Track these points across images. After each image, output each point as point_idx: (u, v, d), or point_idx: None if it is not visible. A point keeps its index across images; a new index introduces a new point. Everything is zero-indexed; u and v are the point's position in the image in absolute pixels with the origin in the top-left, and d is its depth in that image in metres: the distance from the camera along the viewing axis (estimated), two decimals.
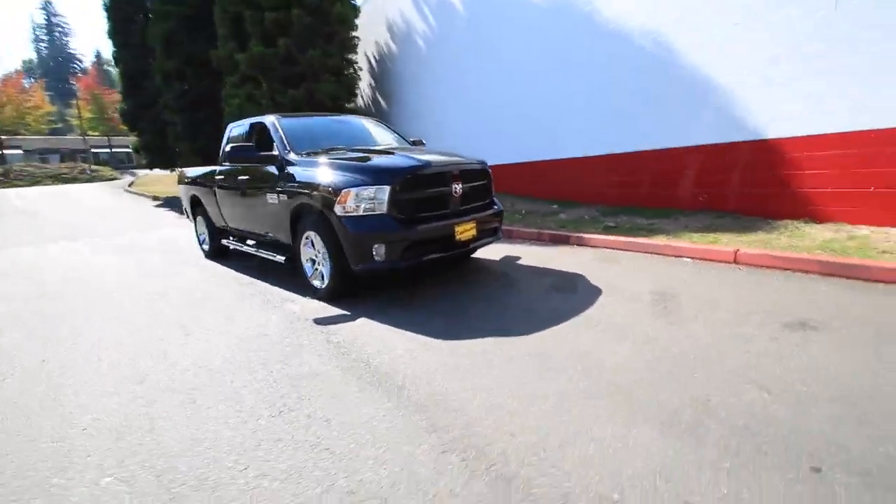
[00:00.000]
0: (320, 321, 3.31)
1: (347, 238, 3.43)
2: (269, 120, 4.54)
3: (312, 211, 3.78)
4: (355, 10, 12.23)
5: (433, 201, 3.66)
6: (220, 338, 3.09)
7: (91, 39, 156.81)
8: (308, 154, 4.13)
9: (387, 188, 3.39)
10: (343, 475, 1.63)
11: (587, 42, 6.95)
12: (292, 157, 4.07)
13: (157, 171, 22.65)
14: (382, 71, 14.14)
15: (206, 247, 6.24)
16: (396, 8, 12.58)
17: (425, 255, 3.57)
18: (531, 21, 7.96)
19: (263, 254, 4.64)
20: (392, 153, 3.98)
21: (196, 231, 6.47)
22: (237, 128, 5.20)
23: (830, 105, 4.48)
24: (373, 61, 14.53)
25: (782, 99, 4.80)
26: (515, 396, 2.09)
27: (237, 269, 5.24)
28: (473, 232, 3.85)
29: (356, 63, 13.15)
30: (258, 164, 4.41)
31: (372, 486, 1.57)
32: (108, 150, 45.52)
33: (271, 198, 4.18)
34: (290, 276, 4.74)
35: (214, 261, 5.91)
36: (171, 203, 15.74)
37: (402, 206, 3.47)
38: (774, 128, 4.93)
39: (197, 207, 6.25)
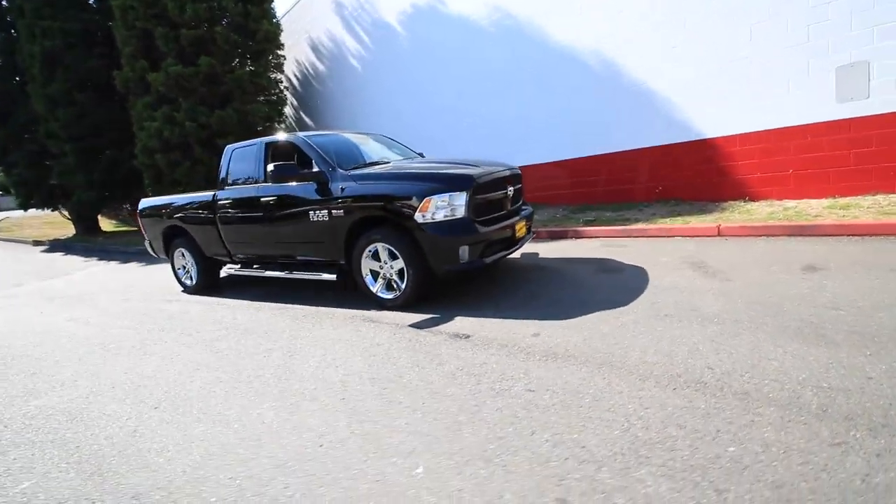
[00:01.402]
0: (422, 325, 3.41)
1: (434, 243, 3.59)
2: (299, 138, 4.45)
3: (381, 222, 3.86)
4: (279, 28, 11.89)
5: (494, 204, 3.99)
6: (356, 362, 3.06)
7: None
8: (353, 169, 4.18)
9: (464, 194, 3.63)
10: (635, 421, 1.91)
11: (537, 61, 7.83)
12: (340, 172, 4.08)
13: (16, 212, 19.05)
14: (308, 91, 13.85)
15: (189, 281, 5.72)
16: (322, 27, 12.51)
17: (496, 254, 3.86)
18: (479, 44, 8.67)
19: (302, 275, 4.49)
20: (444, 163, 4.22)
21: (173, 266, 5.85)
22: (241, 149, 4.94)
23: (751, 110, 5.78)
24: (295, 81, 14.15)
25: (717, 106, 6.03)
26: (687, 342, 2.52)
27: (250, 298, 4.95)
28: (524, 230, 4.26)
29: (282, 83, 12.74)
30: (293, 184, 4.30)
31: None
32: None
33: (317, 215, 4.13)
34: (321, 293, 4.67)
35: (205, 295, 5.44)
36: (62, 247, 13.43)
37: (476, 209, 3.74)
38: (712, 129, 6.15)
39: (175, 239, 5.69)
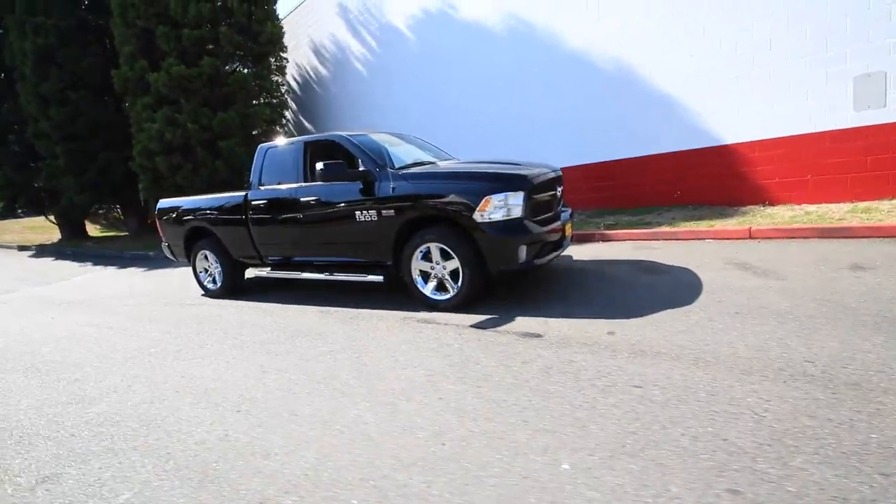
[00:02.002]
0: (484, 325, 3.38)
1: (493, 242, 3.57)
2: (342, 137, 4.39)
3: (433, 222, 3.82)
4: (282, 31, 11.76)
5: (544, 205, 3.99)
6: (433, 362, 3.00)
7: None
8: (401, 169, 4.14)
9: (521, 194, 3.63)
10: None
11: (549, 65, 7.94)
12: (390, 172, 4.03)
13: None
14: (308, 94, 13.72)
15: (211, 284, 5.56)
16: (326, 31, 12.43)
17: (548, 255, 3.86)
18: (490, 49, 8.75)
19: (344, 277, 4.41)
20: (490, 163, 4.22)
21: (194, 269, 5.67)
22: (277, 149, 4.84)
23: (770, 117, 5.97)
24: (294, 84, 14.00)
25: (736, 113, 6.21)
26: (772, 337, 2.56)
27: (280, 301, 4.85)
28: (570, 231, 4.29)
29: (283, 86, 12.60)
30: (336, 184, 4.23)
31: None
32: None
33: (364, 215, 4.07)
34: (349, 294, 4.62)
35: (229, 298, 5.29)
36: (52, 251, 12.87)
37: (532, 209, 3.75)
38: (731, 135, 6.33)
39: (197, 241, 5.53)
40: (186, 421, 2.44)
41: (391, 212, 3.94)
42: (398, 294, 4.33)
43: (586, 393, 2.24)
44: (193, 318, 4.61)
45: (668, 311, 3.21)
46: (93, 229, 17.29)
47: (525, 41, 8.24)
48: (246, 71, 10.73)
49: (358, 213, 4.11)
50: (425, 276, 3.97)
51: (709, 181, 6.60)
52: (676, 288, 3.69)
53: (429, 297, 3.93)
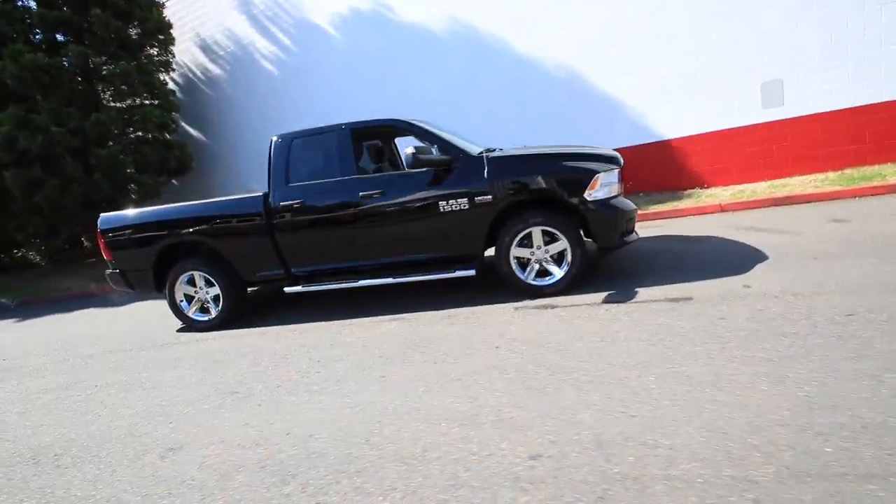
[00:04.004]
0: (618, 300, 3.39)
1: (604, 220, 3.63)
2: (406, 121, 3.97)
3: (535, 205, 3.71)
4: (168, 21, 9.94)
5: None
6: (639, 348, 2.86)
7: None
8: (488, 152, 3.93)
9: (617, 171, 3.78)
10: None
11: (496, 69, 8.34)
12: (482, 156, 3.76)
13: None
14: (194, 97, 11.78)
15: (200, 315, 4.46)
16: (220, 25, 10.89)
17: (632, 232, 4.03)
18: (435, 54, 8.78)
19: (421, 277, 3.93)
20: (563, 146, 4.28)
21: (172, 298, 4.41)
22: (309, 139, 4.10)
23: (700, 116, 7.25)
24: (173, 86, 11.85)
25: (680, 110, 7.37)
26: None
27: (304, 321, 4.13)
28: None
29: (167, 85, 10.64)
30: (410, 172, 3.80)
31: None
32: None
33: (452, 205, 3.74)
34: (382, 297, 4.23)
35: (229, 328, 4.30)
36: None
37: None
38: (670, 132, 7.48)
39: (175, 263, 4.34)
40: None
41: (488, 198, 3.69)
42: (448, 289, 4.08)
43: (824, 328, 2.45)
44: (242, 358, 3.62)
45: (759, 265, 3.67)
46: None
47: (476, 48, 8.48)
48: (133, 63, 8.73)
49: (443, 203, 3.75)
50: (522, 264, 3.81)
51: (655, 171, 7.68)
52: (731, 250, 4.23)
53: (531, 284, 3.77)
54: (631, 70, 7.50)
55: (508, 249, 3.74)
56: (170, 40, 9.88)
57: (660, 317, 2.96)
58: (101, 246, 4.49)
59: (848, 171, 6.38)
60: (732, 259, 3.94)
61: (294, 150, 4.11)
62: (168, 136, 10.09)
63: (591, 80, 7.79)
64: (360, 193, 3.89)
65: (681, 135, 7.43)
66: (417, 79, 9.01)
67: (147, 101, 9.60)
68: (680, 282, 3.56)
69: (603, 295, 3.55)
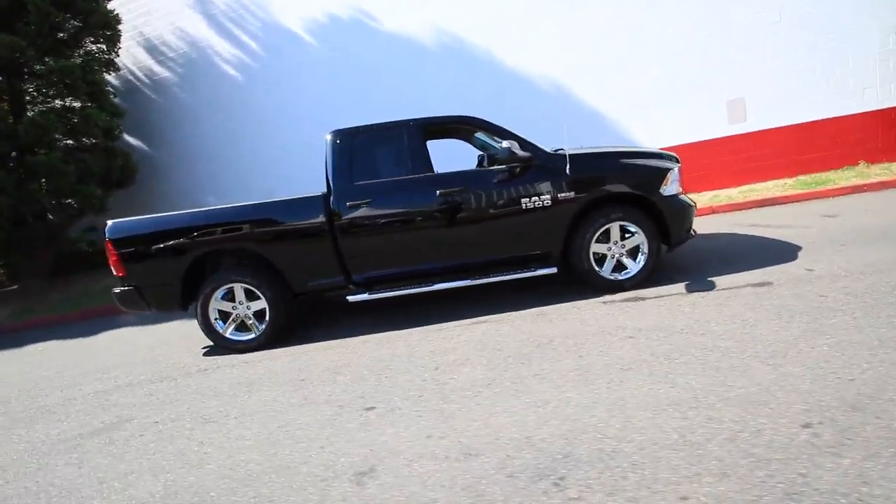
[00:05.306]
0: (702, 288, 3.55)
1: (678, 215, 3.81)
2: (480, 119, 3.88)
3: (615, 200, 3.79)
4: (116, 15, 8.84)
5: None
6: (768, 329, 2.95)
7: None
8: (556, 151, 3.95)
9: (678, 168, 4.01)
10: None
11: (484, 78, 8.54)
12: (567, 154, 3.76)
13: None
14: (136, 101, 10.54)
15: (238, 335, 3.93)
16: (170, 24, 9.96)
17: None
18: (422, 64, 8.76)
19: (501, 277, 3.80)
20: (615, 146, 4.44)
21: (205, 316, 3.82)
22: (373, 135, 3.85)
23: (677, 129, 7.97)
24: (110, 89, 10.49)
25: (657, 124, 8.02)
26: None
27: (411, 324, 3.86)
28: None
29: (108, 86, 9.43)
30: (490, 169, 3.71)
31: None
32: None
33: (533, 202, 3.71)
34: (483, 298, 4.12)
35: (278, 345, 3.86)
36: None
37: None
38: (655, 143, 8.12)
39: (208, 276, 3.82)
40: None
41: (570, 194, 3.71)
42: (505, 291, 4.09)
43: None
44: (364, 368, 3.18)
45: (800, 252, 4.07)
46: None
47: (464, 60, 8.58)
48: (79, 60, 7.59)
49: (525, 200, 3.70)
50: (597, 260, 3.85)
51: None
52: (759, 243, 4.64)
53: (607, 279, 3.83)
54: (610, 89, 8.07)
55: (589, 245, 3.78)
56: (116, 36, 8.78)
57: (762, 299, 3.14)
58: (113, 260, 3.77)
59: (802, 178, 7.37)
60: (769, 250, 4.32)
61: (357, 146, 3.83)
62: (111, 143, 8.88)
63: (577, 93, 8.25)
64: (439, 191, 3.71)
65: (667, 145, 8.08)
66: (403, 88, 8.89)
67: (88, 104, 8.39)
68: (740, 271, 3.82)
69: (680, 286, 3.70)
